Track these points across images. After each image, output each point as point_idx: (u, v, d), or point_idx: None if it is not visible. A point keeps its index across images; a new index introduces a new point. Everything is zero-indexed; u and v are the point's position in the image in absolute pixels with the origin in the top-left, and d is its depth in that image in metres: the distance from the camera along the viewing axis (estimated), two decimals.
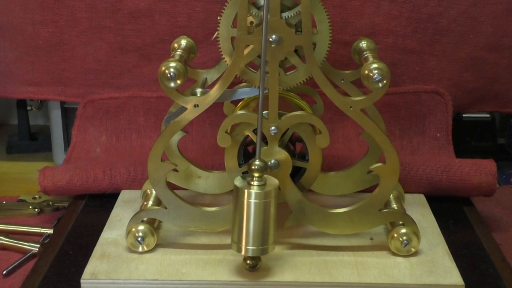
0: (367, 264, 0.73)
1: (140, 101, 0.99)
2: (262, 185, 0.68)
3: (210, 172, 0.82)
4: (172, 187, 0.75)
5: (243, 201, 0.67)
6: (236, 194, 0.68)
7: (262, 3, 0.72)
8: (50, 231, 0.86)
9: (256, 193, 0.67)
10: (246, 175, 0.69)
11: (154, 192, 0.80)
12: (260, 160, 0.68)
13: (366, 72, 0.69)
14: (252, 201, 0.67)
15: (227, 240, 0.76)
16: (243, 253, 0.69)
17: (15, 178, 1.05)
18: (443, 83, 0.98)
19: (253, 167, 0.67)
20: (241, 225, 0.68)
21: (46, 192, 0.90)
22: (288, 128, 0.73)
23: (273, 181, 0.69)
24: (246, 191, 0.67)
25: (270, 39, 0.69)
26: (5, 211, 0.92)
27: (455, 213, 0.87)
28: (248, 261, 0.71)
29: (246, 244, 0.68)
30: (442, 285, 0.70)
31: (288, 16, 0.70)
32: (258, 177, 0.68)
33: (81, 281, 0.71)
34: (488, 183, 0.88)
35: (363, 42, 0.79)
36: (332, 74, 0.78)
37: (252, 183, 0.68)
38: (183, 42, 0.79)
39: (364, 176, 0.82)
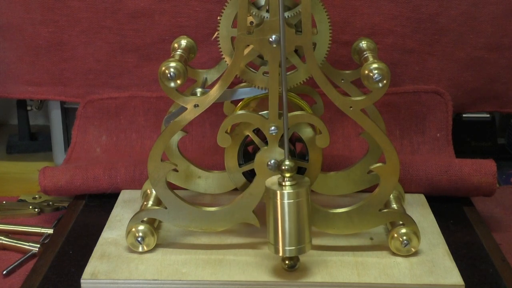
0: (367, 264, 0.73)
1: (140, 101, 0.99)
2: (294, 185, 0.68)
3: (210, 172, 0.82)
4: (172, 187, 0.75)
5: (276, 202, 0.68)
6: (268, 196, 0.68)
7: (262, 3, 0.72)
8: (50, 231, 0.86)
9: (288, 193, 0.67)
10: (276, 176, 0.69)
11: (154, 192, 0.81)
12: (290, 160, 0.68)
13: (366, 72, 0.69)
14: (286, 201, 0.67)
15: (227, 240, 0.76)
16: (280, 254, 0.69)
17: (15, 178, 1.05)
18: (443, 83, 0.98)
19: (283, 167, 0.68)
20: (276, 226, 0.68)
21: (46, 192, 0.90)
22: (289, 128, 0.72)
23: (304, 180, 0.69)
24: (278, 192, 0.67)
25: (270, 39, 0.69)
26: (5, 211, 0.92)
27: (455, 213, 0.87)
28: (286, 262, 0.71)
29: (283, 245, 0.68)
30: (442, 285, 0.70)
31: (288, 16, 0.70)
32: (289, 177, 0.68)
33: (81, 281, 0.71)
34: (488, 183, 0.88)
35: (363, 42, 0.79)
36: (332, 74, 0.78)
37: (283, 183, 0.68)
38: (183, 42, 0.79)
39: (364, 176, 0.82)
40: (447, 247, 0.76)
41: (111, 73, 0.99)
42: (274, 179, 0.70)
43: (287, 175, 0.68)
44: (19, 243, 0.83)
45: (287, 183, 0.68)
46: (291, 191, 0.67)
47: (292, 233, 0.68)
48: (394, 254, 0.74)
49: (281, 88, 0.70)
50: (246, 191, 0.74)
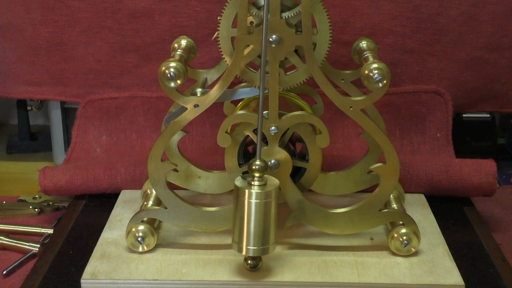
0: (367, 264, 0.73)
1: (140, 101, 0.99)
2: (262, 185, 0.68)
3: (210, 172, 0.82)
4: (172, 187, 0.75)
5: (243, 201, 0.67)
6: (236, 194, 0.68)
7: (262, 3, 0.72)
8: (50, 231, 0.86)
9: (256, 193, 0.67)
10: (247, 175, 0.69)
11: (154, 192, 0.81)
12: (261, 160, 0.68)
13: (366, 72, 0.69)
14: (253, 201, 0.67)
15: (227, 240, 0.76)
16: (244, 253, 0.69)
17: (15, 178, 1.05)
18: (443, 83, 0.98)
19: (253, 167, 0.67)
20: (241, 225, 0.68)
21: (46, 192, 0.90)
22: (288, 128, 0.73)
23: (273, 181, 0.69)
24: (246, 191, 0.67)
25: (270, 39, 0.69)
26: (5, 211, 0.92)
27: (455, 213, 0.87)
28: (249, 261, 0.71)
29: (247, 244, 0.68)
30: (442, 285, 0.70)
31: (288, 16, 0.70)
32: (258, 177, 0.68)
33: (81, 281, 0.71)
34: (488, 183, 0.88)
35: (363, 42, 0.79)
36: (332, 74, 0.78)
37: (252, 183, 0.68)
38: (183, 42, 0.79)
39: (364, 176, 0.82)
40: (447, 247, 0.76)
41: (111, 73, 0.99)
42: (244, 177, 0.69)
43: (257, 174, 0.68)
44: (19, 243, 0.83)
45: (256, 182, 0.68)
46: (259, 191, 0.67)
47: (257, 233, 0.68)
48: (394, 254, 0.74)
49: (280, 88, 0.70)
50: None
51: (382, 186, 0.73)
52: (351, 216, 0.74)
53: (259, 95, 0.68)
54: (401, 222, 0.74)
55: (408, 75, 0.97)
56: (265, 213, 0.68)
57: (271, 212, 0.68)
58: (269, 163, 0.73)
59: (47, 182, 0.89)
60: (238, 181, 0.69)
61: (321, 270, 0.72)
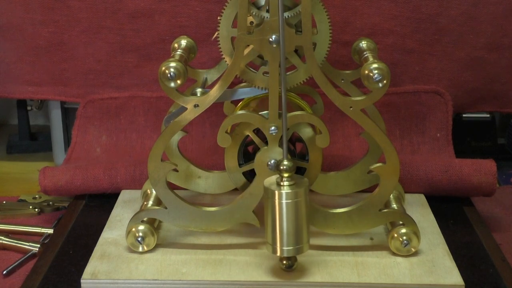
0: (367, 264, 0.73)
1: (140, 101, 0.99)
2: (292, 185, 0.68)
3: (210, 172, 0.82)
4: (172, 187, 0.75)
5: (274, 202, 0.67)
6: (266, 195, 0.68)
7: (262, 3, 0.72)
8: (50, 231, 0.86)
9: (287, 193, 0.67)
10: (275, 176, 0.69)
11: (154, 192, 0.81)
12: (288, 160, 0.68)
13: (366, 72, 0.69)
14: (284, 201, 0.67)
15: (227, 240, 0.76)
16: (278, 254, 0.69)
17: (15, 178, 1.05)
18: (443, 83, 0.98)
19: (282, 167, 0.67)
20: (274, 226, 0.68)
21: (46, 192, 0.90)
22: (288, 128, 0.73)
23: (302, 180, 0.69)
24: (277, 192, 0.67)
25: (270, 39, 0.69)
26: (5, 211, 0.92)
27: (455, 213, 0.87)
28: (284, 262, 0.71)
29: (281, 245, 0.68)
30: (442, 285, 0.70)
31: (288, 16, 0.70)
32: (287, 177, 0.68)
33: (81, 281, 0.71)
34: (488, 183, 0.88)
35: (363, 42, 0.79)
36: (332, 74, 0.78)
37: (282, 183, 0.68)
38: (183, 42, 0.79)
39: (364, 176, 0.82)
40: (447, 247, 0.76)
41: (111, 73, 0.99)
42: (272, 179, 0.70)
43: (286, 175, 0.68)
44: (19, 243, 0.83)
45: (286, 183, 0.68)
46: (290, 191, 0.67)
47: (290, 233, 0.68)
48: (394, 254, 0.74)
49: (280, 88, 0.70)
50: (246, 191, 0.74)
51: (382, 186, 0.73)
52: (351, 216, 0.74)
53: (281, 90, 0.68)
54: (401, 222, 0.74)
55: (408, 75, 0.97)
56: (296, 212, 0.68)
57: (302, 211, 0.68)
58: (268, 163, 0.73)
59: (47, 182, 0.89)
60: (268, 182, 0.69)
61: (321, 270, 0.72)
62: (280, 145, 0.73)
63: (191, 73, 0.79)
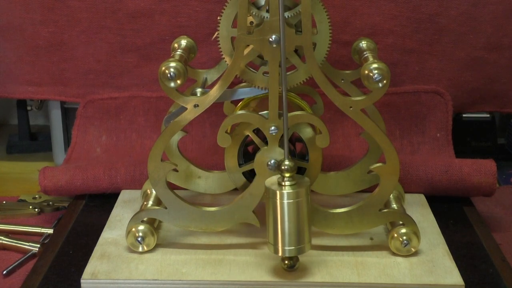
0: (367, 264, 0.73)
1: (140, 101, 0.99)
2: (293, 185, 0.68)
3: (210, 172, 0.82)
4: (172, 187, 0.75)
5: (276, 202, 0.68)
6: (268, 195, 0.68)
7: (262, 3, 0.72)
8: (50, 231, 0.86)
9: (288, 193, 0.67)
10: (276, 176, 0.69)
11: (154, 192, 0.81)
12: (289, 160, 0.68)
13: (366, 72, 0.69)
14: (285, 201, 0.67)
15: (227, 240, 0.76)
16: (280, 254, 0.69)
17: (15, 178, 1.05)
18: (443, 83, 0.98)
19: (283, 167, 0.68)
20: (275, 226, 0.68)
21: (46, 192, 0.90)
22: (288, 128, 0.72)
23: (303, 180, 0.69)
24: (278, 192, 0.67)
25: (270, 39, 0.69)
26: (5, 211, 0.92)
27: (455, 213, 0.87)
28: (286, 262, 0.71)
29: (283, 245, 0.68)
30: (442, 285, 0.70)
31: (288, 16, 0.70)
32: (289, 177, 0.68)
33: (81, 281, 0.71)
34: (488, 183, 0.88)
35: (363, 42, 0.79)
36: (332, 74, 0.78)
37: (283, 183, 0.68)
38: (183, 42, 0.79)
39: (364, 176, 0.82)
40: (447, 247, 0.76)
41: (111, 73, 0.99)
42: (273, 179, 0.70)
43: (287, 175, 0.68)
44: (19, 243, 0.83)
45: (287, 183, 0.68)
46: (291, 191, 0.67)
47: (292, 233, 0.68)
48: (394, 254, 0.74)
49: (281, 88, 0.70)
50: (246, 191, 0.74)
51: (382, 186, 0.73)
52: (351, 216, 0.74)
53: (281, 89, 0.68)
54: (401, 222, 0.74)
55: (408, 75, 0.97)
56: (298, 212, 0.68)
57: (304, 211, 0.68)
58: (268, 163, 0.73)
59: (47, 182, 0.89)
60: (269, 183, 0.69)
61: (321, 270, 0.72)
62: (280, 145, 0.73)
63: (191, 73, 0.79)
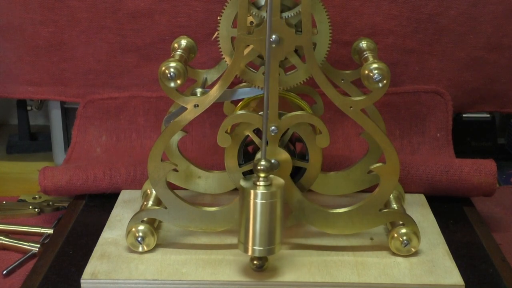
0: (367, 264, 0.73)
1: (140, 101, 0.99)
2: (268, 185, 0.68)
3: (210, 172, 0.82)
4: (172, 187, 0.75)
5: (249, 202, 0.67)
6: (242, 194, 0.68)
7: (262, 3, 0.72)
8: (50, 231, 0.86)
9: (262, 193, 0.67)
10: (252, 175, 0.69)
11: (154, 192, 0.81)
12: (266, 160, 0.68)
13: (366, 72, 0.69)
14: (259, 201, 0.67)
15: (227, 240, 0.76)
16: (249, 253, 0.69)
17: (15, 178, 1.05)
18: (443, 83, 0.98)
19: (258, 167, 0.67)
20: (247, 225, 0.68)
21: (46, 192, 0.90)
22: (288, 128, 0.73)
23: (278, 181, 0.69)
24: (252, 191, 0.67)
25: (270, 39, 0.69)
26: (5, 211, 0.92)
27: (455, 213, 0.87)
28: (255, 262, 0.71)
29: (253, 244, 0.68)
30: (442, 285, 0.70)
31: (288, 16, 0.70)
32: (264, 177, 0.68)
33: (81, 281, 0.71)
34: (488, 183, 0.88)
35: (363, 42, 0.79)
36: (332, 74, 0.78)
37: (258, 183, 0.68)
38: (183, 42, 0.79)
39: (364, 176, 0.82)
40: (447, 247, 0.76)
41: (111, 73, 0.99)
42: (249, 178, 0.69)
43: (262, 175, 0.68)
44: (19, 243, 0.83)
45: (261, 183, 0.68)
46: (265, 191, 0.67)
47: (263, 233, 0.68)
48: (394, 254, 0.74)
49: (280, 88, 0.70)
50: None
51: (382, 186, 0.73)
52: (351, 216, 0.74)
53: (264, 93, 0.68)
54: (401, 222, 0.74)
55: (408, 75, 0.97)
56: (270, 213, 0.68)
57: (276, 212, 0.68)
58: None
59: (47, 182, 0.89)
60: (243, 182, 0.69)
61: (321, 270, 0.72)
62: (280, 145, 0.73)
63: (191, 73, 0.79)
